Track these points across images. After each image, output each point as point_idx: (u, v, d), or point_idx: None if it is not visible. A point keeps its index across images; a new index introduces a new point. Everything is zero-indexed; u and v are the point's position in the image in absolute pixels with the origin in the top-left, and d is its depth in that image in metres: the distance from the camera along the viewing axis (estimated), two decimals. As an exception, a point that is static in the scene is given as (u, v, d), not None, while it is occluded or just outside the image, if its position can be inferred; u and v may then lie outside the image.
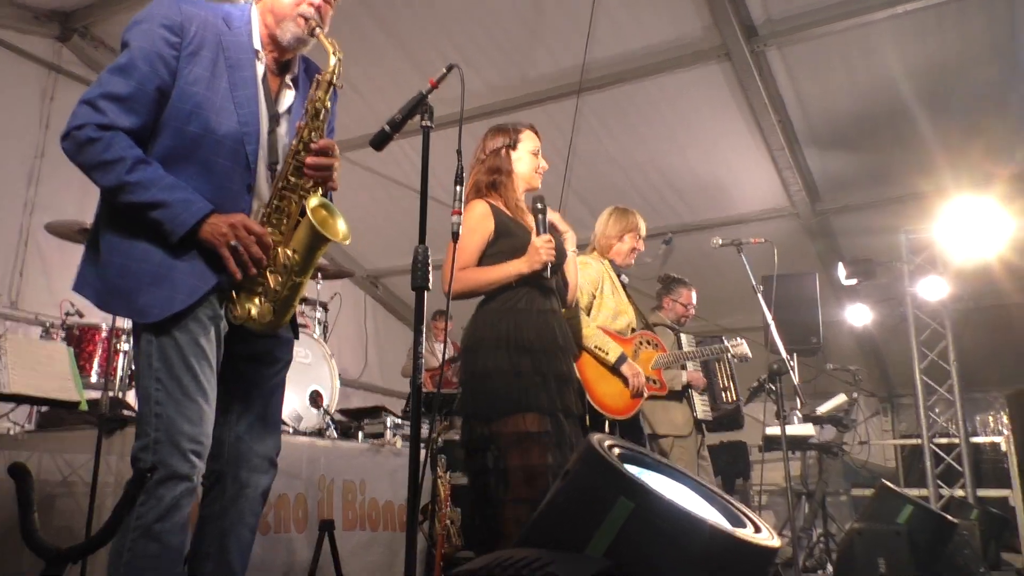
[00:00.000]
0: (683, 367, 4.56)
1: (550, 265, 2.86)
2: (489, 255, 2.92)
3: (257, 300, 1.99)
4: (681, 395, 4.62)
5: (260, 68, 2.07)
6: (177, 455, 1.83)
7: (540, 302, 2.92)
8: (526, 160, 3.08)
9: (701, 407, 4.74)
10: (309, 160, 2.01)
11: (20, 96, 5.61)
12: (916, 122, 5.62)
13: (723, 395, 4.97)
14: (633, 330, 4.06)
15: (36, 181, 5.63)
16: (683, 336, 4.77)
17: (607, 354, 3.76)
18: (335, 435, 4.54)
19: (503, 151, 3.06)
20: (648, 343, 4.10)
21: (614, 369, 3.78)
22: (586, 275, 3.92)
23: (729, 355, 4.55)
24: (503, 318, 2.85)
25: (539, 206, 2.95)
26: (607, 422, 3.73)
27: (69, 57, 5.93)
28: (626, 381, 3.77)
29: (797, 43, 5.18)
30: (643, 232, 4.17)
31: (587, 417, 3.73)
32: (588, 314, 3.90)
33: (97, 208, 1.99)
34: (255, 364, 2.11)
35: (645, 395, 3.82)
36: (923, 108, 5.50)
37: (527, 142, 3.09)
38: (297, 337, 2.26)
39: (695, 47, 5.34)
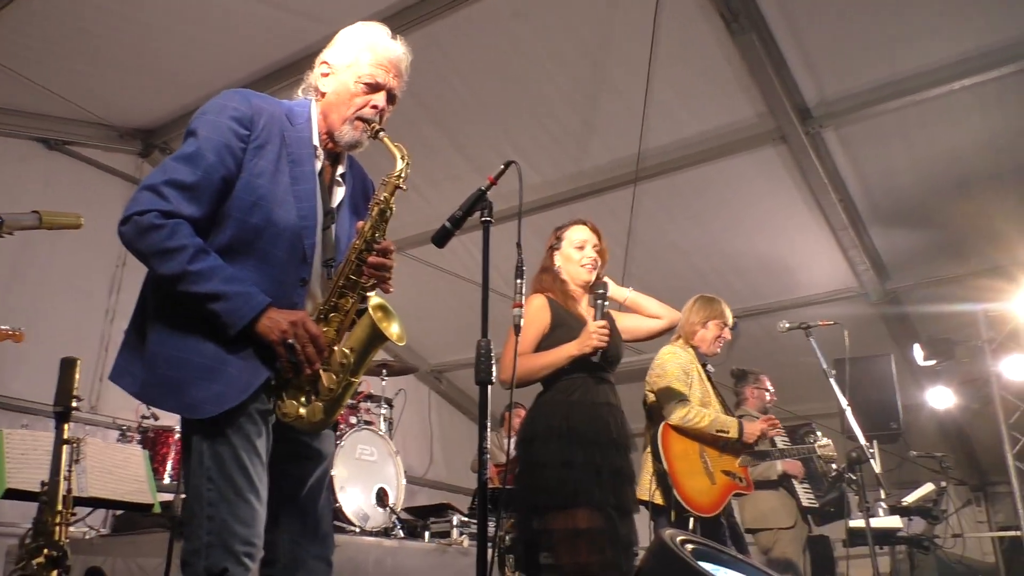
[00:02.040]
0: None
1: (601, 352, 2.88)
2: (545, 346, 2.97)
3: (305, 398, 1.95)
4: (777, 484, 4.44)
5: (318, 164, 2.09)
6: (231, 559, 1.75)
7: (595, 393, 2.94)
8: (569, 256, 3.16)
9: (805, 496, 4.54)
10: (372, 260, 1.99)
11: (103, 208, 5.85)
12: (983, 195, 5.48)
13: (824, 481, 4.77)
14: None
15: (118, 289, 5.92)
16: None
17: (728, 432, 3.70)
18: (401, 535, 4.49)
19: (548, 252, 3.21)
20: None
21: (740, 443, 3.72)
22: (677, 362, 3.87)
23: (815, 456, 4.38)
24: (556, 410, 2.88)
25: (599, 291, 3.00)
26: (691, 519, 3.59)
27: (149, 171, 6.26)
28: (746, 447, 3.76)
29: (853, 123, 5.17)
30: (729, 320, 4.10)
31: (672, 513, 3.61)
32: None
33: (141, 297, 1.96)
34: (300, 462, 2.05)
35: (738, 485, 3.76)
36: (989, 180, 5.38)
37: (571, 237, 3.18)
38: (335, 430, 2.23)
39: (750, 132, 5.37)
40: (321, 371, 1.94)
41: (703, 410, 3.73)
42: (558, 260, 3.18)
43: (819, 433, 4.42)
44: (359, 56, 2.11)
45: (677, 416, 3.69)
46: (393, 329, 2.00)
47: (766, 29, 4.65)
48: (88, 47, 5.00)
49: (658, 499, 3.72)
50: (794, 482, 4.49)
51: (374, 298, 2.01)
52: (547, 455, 2.78)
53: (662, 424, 3.71)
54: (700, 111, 5.35)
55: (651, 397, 3.85)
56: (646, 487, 3.76)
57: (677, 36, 4.81)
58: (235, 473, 1.80)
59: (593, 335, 2.86)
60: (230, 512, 1.77)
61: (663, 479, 3.67)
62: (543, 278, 3.17)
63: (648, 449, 3.78)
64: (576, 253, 3.14)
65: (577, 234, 3.18)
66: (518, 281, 2.29)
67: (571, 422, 2.83)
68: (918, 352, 6.49)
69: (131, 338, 1.95)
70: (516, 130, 5.71)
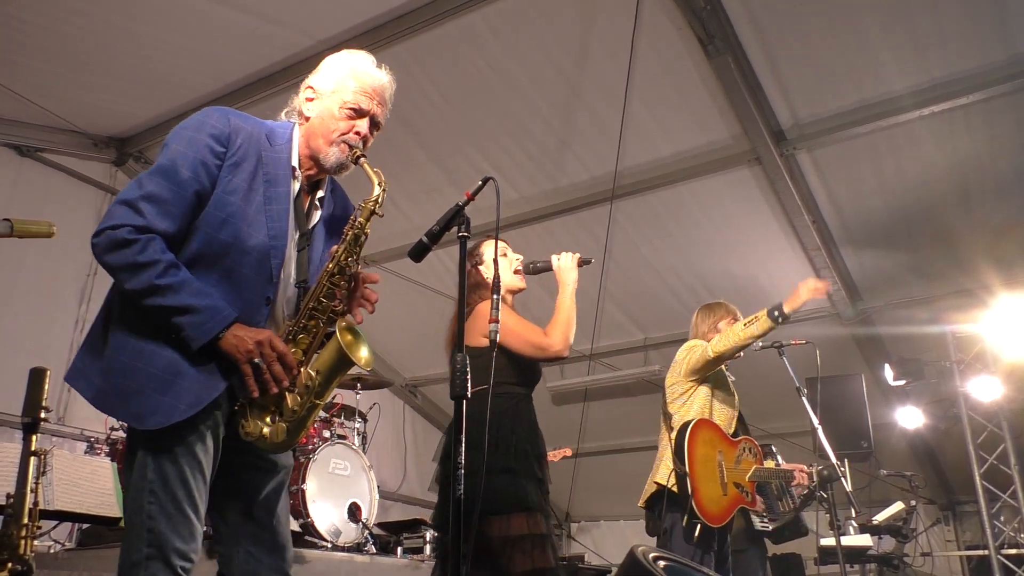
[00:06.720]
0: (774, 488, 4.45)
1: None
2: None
3: (270, 419, 1.95)
4: None
5: (295, 186, 2.09)
6: (170, 573, 1.76)
7: (532, 410, 2.98)
8: (497, 266, 3.09)
9: (758, 521, 4.57)
10: (369, 294, 2.06)
11: (75, 217, 5.86)
12: (951, 220, 5.59)
13: (779, 504, 4.80)
14: (736, 433, 3.98)
15: (88, 299, 5.83)
16: None
17: (757, 319, 3.70)
18: (374, 550, 4.45)
19: (472, 271, 3.14)
20: (751, 451, 3.99)
21: (774, 319, 3.67)
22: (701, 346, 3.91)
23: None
24: (504, 420, 2.84)
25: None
26: (698, 526, 3.57)
27: (123, 179, 6.23)
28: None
29: (825, 146, 5.25)
30: (739, 315, 4.15)
31: (685, 518, 3.58)
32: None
33: (107, 301, 1.96)
34: (255, 472, 2.03)
35: (744, 499, 3.76)
36: (956, 206, 5.49)
37: (486, 252, 3.14)
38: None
39: (725, 153, 5.43)
40: (287, 393, 1.94)
41: (727, 330, 3.80)
42: (486, 273, 3.10)
43: (779, 457, 4.46)
44: (344, 82, 2.14)
45: (714, 347, 3.76)
46: (362, 353, 1.99)
47: (741, 51, 4.72)
48: (62, 53, 4.94)
49: (675, 488, 3.70)
50: (749, 513, 4.58)
51: (343, 322, 2.01)
52: (503, 459, 2.73)
53: (691, 423, 3.72)
54: (676, 131, 5.41)
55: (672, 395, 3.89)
56: (664, 475, 3.75)
57: (654, 56, 4.87)
58: (177, 488, 1.80)
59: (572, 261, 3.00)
60: (170, 526, 1.78)
61: (682, 481, 3.65)
62: (482, 295, 3.06)
63: (661, 454, 3.84)
64: (504, 260, 3.11)
65: (491, 249, 3.08)
66: (495, 296, 2.30)
67: (520, 433, 2.83)
68: (888, 372, 6.58)
69: (91, 341, 1.95)
70: (494, 146, 5.73)
